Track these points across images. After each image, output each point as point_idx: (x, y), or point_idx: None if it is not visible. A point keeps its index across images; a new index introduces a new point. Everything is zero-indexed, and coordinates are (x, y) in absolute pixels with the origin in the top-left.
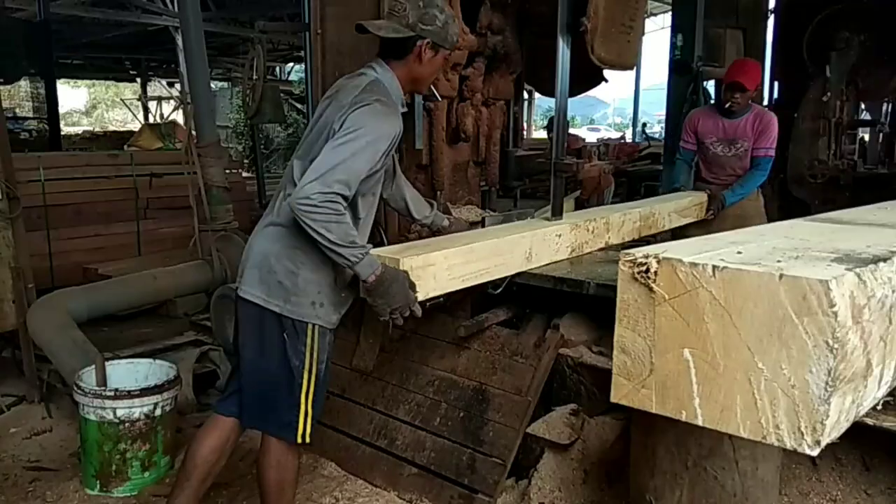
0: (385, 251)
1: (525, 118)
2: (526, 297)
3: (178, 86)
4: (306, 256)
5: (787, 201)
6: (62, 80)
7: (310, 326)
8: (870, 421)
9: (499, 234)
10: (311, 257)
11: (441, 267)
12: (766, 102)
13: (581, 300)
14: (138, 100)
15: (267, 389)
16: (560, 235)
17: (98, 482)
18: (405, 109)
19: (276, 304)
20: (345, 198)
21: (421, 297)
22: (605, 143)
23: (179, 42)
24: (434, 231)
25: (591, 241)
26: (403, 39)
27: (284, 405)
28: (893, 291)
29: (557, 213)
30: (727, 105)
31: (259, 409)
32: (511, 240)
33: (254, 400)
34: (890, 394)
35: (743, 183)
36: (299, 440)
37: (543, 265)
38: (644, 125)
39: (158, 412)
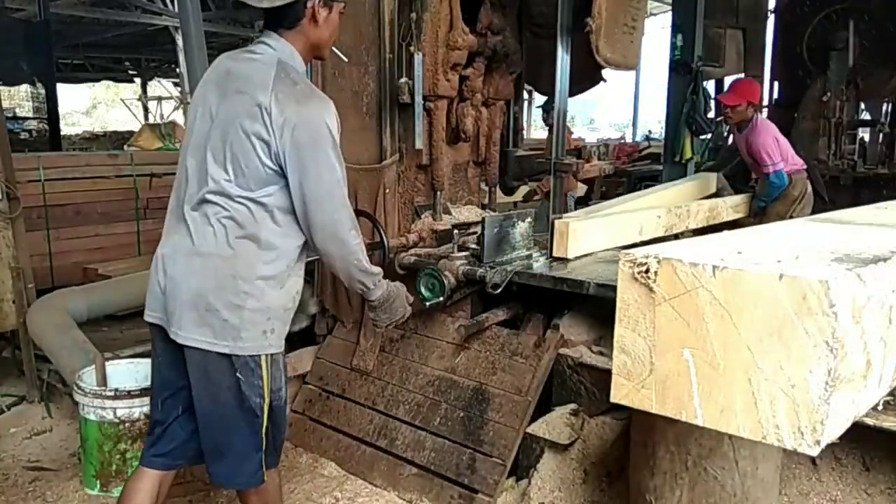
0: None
1: (525, 118)
2: (526, 297)
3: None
4: (249, 284)
5: None
6: (62, 81)
7: (263, 358)
8: (870, 421)
9: (620, 212)
10: (255, 284)
11: (593, 229)
12: (766, 102)
13: (581, 300)
14: (138, 100)
15: (230, 439)
16: (659, 217)
17: (98, 482)
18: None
19: (225, 345)
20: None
21: (574, 252)
22: (605, 144)
23: (179, 42)
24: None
25: (677, 224)
26: (290, 4)
27: (250, 451)
28: (893, 291)
29: (557, 212)
30: (720, 119)
31: (227, 463)
32: (628, 217)
33: (218, 455)
34: (890, 394)
35: (762, 195)
36: (264, 480)
37: (648, 239)
38: (650, 132)
39: None
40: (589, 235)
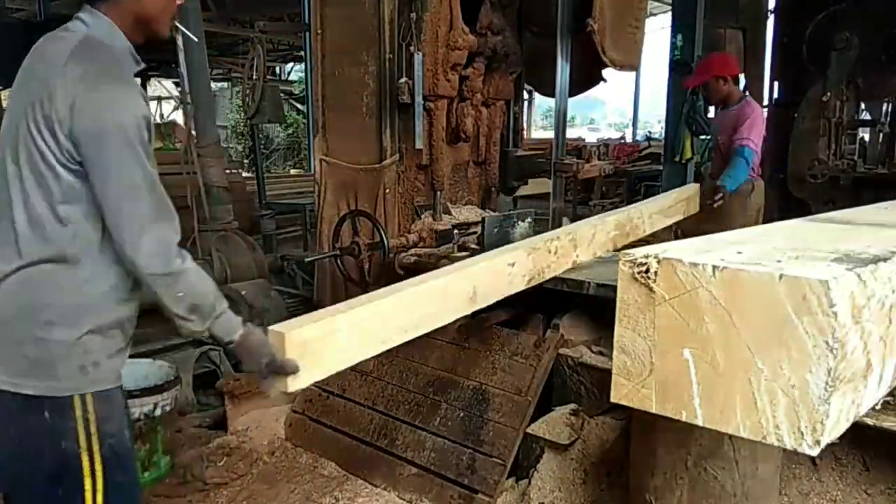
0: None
1: (525, 118)
2: (526, 297)
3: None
4: (56, 311)
5: (787, 201)
6: None
7: (78, 399)
8: (870, 421)
9: (431, 278)
10: (67, 310)
11: (349, 334)
12: (766, 102)
13: (581, 300)
14: None
15: (43, 497)
16: (513, 264)
17: None
18: (142, 65)
19: (30, 386)
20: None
21: (320, 375)
22: (605, 144)
23: (179, 42)
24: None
25: (554, 263)
26: None
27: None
28: (893, 291)
29: (557, 212)
30: (712, 98)
31: None
32: (444, 283)
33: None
34: (890, 394)
35: (729, 171)
36: None
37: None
38: (649, 132)
39: (158, 412)
40: (338, 340)
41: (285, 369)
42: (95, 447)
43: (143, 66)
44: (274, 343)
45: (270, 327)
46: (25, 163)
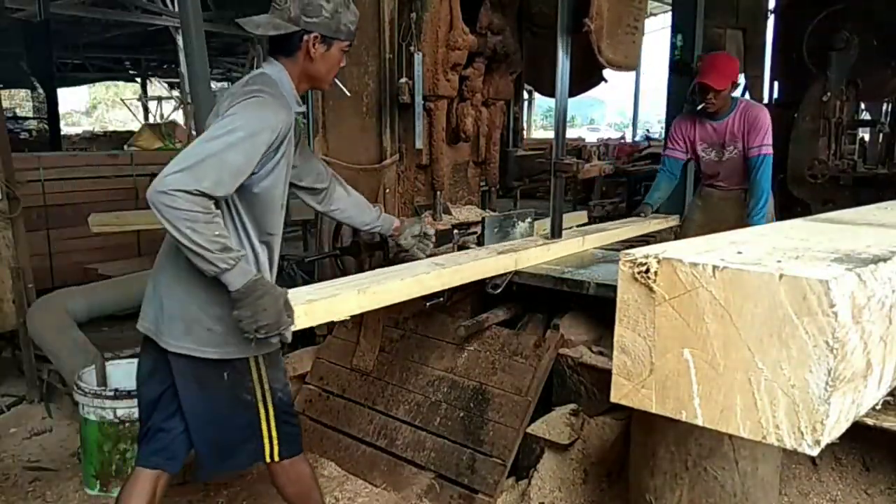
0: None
1: (525, 118)
2: (526, 297)
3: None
4: (222, 294)
5: (787, 201)
6: (62, 81)
7: (251, 360)
8: (870, 421)
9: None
10: (224, 294)
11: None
12: (765, 102)
13: (581, 300)
14: (138, 100)
15: (222, 436)
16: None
17: (98, 482)
18: (302, 108)
19: (213, 352)
20: (213, 198)
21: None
22: (605, 144)
23: (179, 42)
24: (385, 236)
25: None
26: (287, 36)
27: (245, 441)
28: (893, 291)
29: (557, 212)
30: (701, 107)
31: (219, 456)
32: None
33: (210, 451)
34: (890, 394)
35: (754, 200)
36: (268, 459)
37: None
38: (648, 130)
39: None
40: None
41: (283, 339)
42: (268, 398)
43: (302, 108)
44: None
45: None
46: None
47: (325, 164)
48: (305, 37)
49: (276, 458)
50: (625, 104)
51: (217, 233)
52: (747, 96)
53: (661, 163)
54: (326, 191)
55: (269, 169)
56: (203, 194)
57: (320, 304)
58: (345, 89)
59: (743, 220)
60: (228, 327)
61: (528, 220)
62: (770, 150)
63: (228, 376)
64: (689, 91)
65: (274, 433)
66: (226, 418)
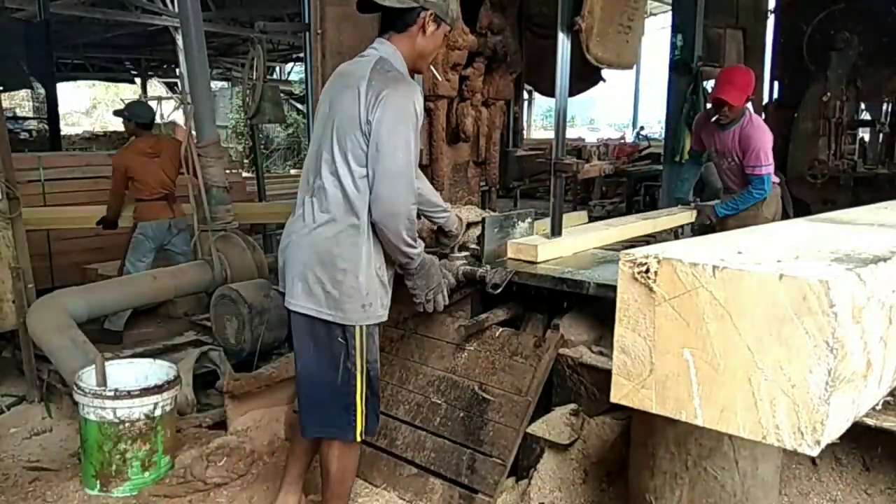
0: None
1: (525, 118)
2: (526, 297)
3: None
4: (349, 263)
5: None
6: (62, 81)
7: (358, 329)
8: (870, 421)
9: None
10: (355, 263)
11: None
12: (765, 102)
13: (581, 300)
14: None
15: (325, 396)
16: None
17: (98, 482)
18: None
19: (328, 314)
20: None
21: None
22: (605, 144)
23: (179, 42)
24: (445, 232)
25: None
26: (407, 10)
27: (343, 409)
28: (893, 291)
29: (557, 214)
30: (715, 119)
31: (320, 416)
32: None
33: (314, 408)
34: (890, 394)
35: (737, 198)
36: (358, 438)
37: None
38: (641, 128)
39: (158, 412)
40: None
41: (441, 299)
42: (364, 367)
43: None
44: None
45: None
46: (337, 148)
47: None
48: (423, 13)
49: (363, 437)
50: (625, 104)
51: (415, 232)
52: None
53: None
54: None
55: None
56: (414, 206)
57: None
58: (438, 74)
59: (738, 223)
60: (345, 294)
61: (529, 220)
62: (764, 170)
63: (340, 340)
64: (688, 91)
65: (363, 408)
66: (331, 382)
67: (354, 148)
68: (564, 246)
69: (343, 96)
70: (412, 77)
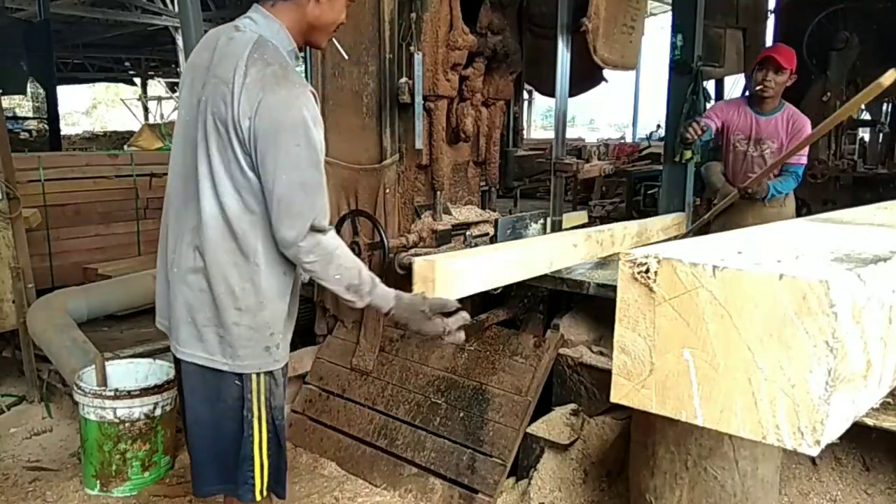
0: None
1: (525, 118)
2: (526, 297)
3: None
4: (247, 300)
5: None
6: (62, 81)
7: (254, 376)
8: (870, 421)
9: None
10: (252, 300)
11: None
12: None
13: (581, 300)
14: (138, 100)
15: (219, 447)
16: (576, 245)
17: (98, 482)
18: (300, 66)
19: (223, 363)
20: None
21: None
22: (605, 144)
23: (179, 42)
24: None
25: (599, 252)
26: None
27: (240, 463)
28: (893, 291)
29: (557, 212)
30: (758, 88)
31: (214, 471)
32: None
33: (207, 461)
34: (890, 394)
35: (780, 182)
36: (258, 497)
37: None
38: (658, 126)
39: (158, 412)
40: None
41: (447, 305)
42: (267, 416)
43: (300, 66)
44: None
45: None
46: (214, 162)
47: None
48: None
49: (264, 495)
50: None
51: (353, 261)
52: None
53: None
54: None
55: None
56: (320, 234)
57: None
58: (342, 50)
59: (757, 220)
60: (242, 337)
61: (541, 221)
62: (804, 159)
63: (234, 389)
64: (688, 91)
65: (264, 462)
66: (224, 432)
67: (230, 162)
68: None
69: (212, 90)
70: (305, 50)
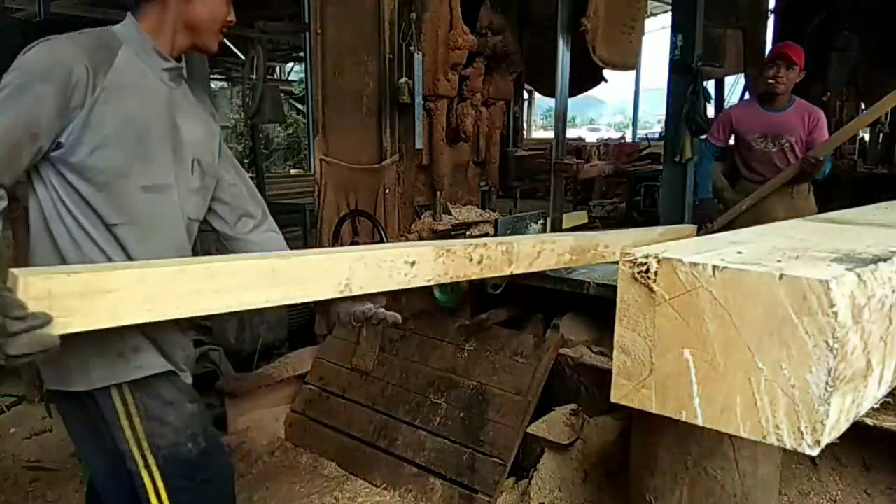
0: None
1: (525, 118)
2: (526, 297)
3: None
4: None
5: None
6: None
7: (114, 393)
8: (870, 421)
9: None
10: None
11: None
12: None
13: (581, 300)
14: None
15: (110, 495)
16: (414, 263)
17: None
18: (171, 64)
19: (79, 382)
20: None
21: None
22: (605, 143)
23: None
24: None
25: (475, 273)
26: None
27: None
28: (893, 291)
29: (557, 212)
30: (770, 83)
31: None
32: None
33: None
34: (890, 394)
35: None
36: None
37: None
38: (646, 136)
39: None
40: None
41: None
42: (149, 452)
43: (172, 64)
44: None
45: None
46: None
47: (259, 199)
48: None
49: None
50: (625, 104)
51: None
52: (747, 96)
53: (703, 146)
54: (246, 222)
55: (84, 127)
56: None
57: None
58: (214, 46)
59: (790, 213)
60: (86, 343)
61: (541, 221)
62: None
63: (100, 413)
64: (689, 90)
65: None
66: (107, 473)
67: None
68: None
69: None
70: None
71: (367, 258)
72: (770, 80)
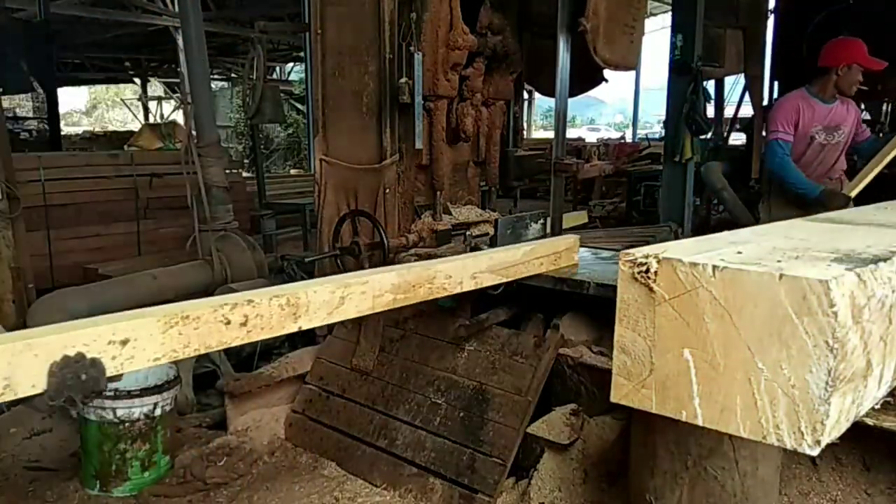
0: None
1: (525, 118)
2: (526, 297)
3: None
4: None
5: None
6: (62, 81)
7: None
8: (870, 421)
9: None
10: None
11: None
12: (765, 102)
13: (581, 300)
14: (138, 100)
15: None
16: (126, 342)
17: (98, 482)
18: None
19: None
20: None
21: None
22: (605, 143)
23: (179, 42)
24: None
25: (237, 339)
26: None
27: None
28: (893, 291)
29: (557, 212)
30: (860, 87)
31: None
32: None
33: None
34: (890, 394)
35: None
36: None
37: None
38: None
39: (158, 412)
40: None
41: None
42: None
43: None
44: None
45: None
46: None
47: None
48: None
49: None
50: (625, 104)
51: None
52: (747, 96)
53: (772, 149)
54: None
55: None
56: None
57: None
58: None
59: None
60: None
61: (541, 221)
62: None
63: None
64: (689, 90)
65: None
66: None
67: None
68: None
69: None
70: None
71: (37, 346)
72: (861, 86)
